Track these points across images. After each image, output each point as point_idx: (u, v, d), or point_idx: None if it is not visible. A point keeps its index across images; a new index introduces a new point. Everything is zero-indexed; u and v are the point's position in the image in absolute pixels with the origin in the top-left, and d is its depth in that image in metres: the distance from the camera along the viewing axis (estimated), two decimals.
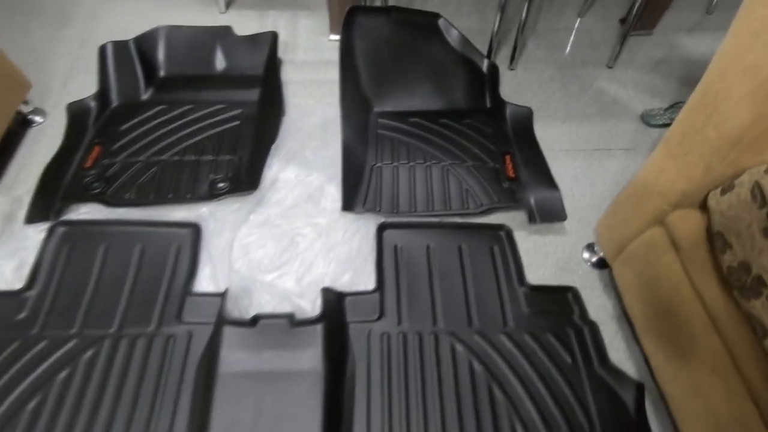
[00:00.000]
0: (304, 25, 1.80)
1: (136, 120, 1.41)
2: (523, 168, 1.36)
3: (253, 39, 1.58)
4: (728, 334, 0.74)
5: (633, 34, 1.80)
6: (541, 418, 0.96)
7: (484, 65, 1.51)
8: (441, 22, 1.48)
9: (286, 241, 1.20)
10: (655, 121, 1.53)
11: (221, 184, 1.27)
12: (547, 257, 1.23)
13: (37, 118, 1.44)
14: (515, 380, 1.01)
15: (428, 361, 1.02)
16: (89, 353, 1.00)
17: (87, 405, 0.94)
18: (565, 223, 1.29)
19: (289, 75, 1.61)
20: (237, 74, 1.55)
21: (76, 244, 1.15)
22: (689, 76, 1.70)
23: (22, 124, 1.41)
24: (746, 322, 0.71)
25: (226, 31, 1.58)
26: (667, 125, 1.40)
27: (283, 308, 1.07)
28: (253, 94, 1.46)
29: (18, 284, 1.09)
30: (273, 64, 1.56)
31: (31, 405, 0.93)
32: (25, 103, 1.39)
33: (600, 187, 1.39)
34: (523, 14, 1.56)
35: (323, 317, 1.01)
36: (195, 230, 1.19)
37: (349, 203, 1.26)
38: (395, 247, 1.20)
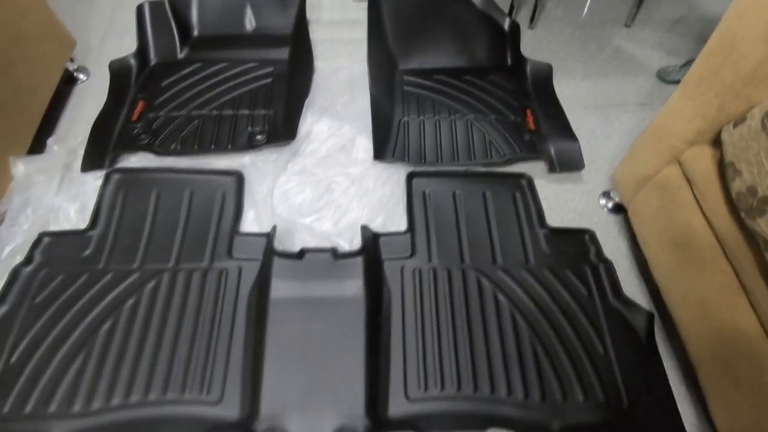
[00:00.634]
0: None
1: (174, 77, 1.49)
2: (543, 121, 1.43)
3: None
4: (734, 253, 0.83)
5: None
6: (560, 343, 1.06)
7: (506, 24, 1.56)
8: None
9: (323, 188, 1.29)
10: (671, 77, 1.58)
11: (259, 137, 1.36)
12: (566, 203, 1.31)
13: (81, 76, 1.52)
14: (536, 310, 1.10)
15: (457, 293, 1.12)
16: (151, 284, 1.11)
17: (153, 328, 1.05)
18: (583, 172, 1.36)
19: (316, 34, 1.67)
20: (267, 33, 1.61)
21: (130, 189, 1.25)
22: (706, 34, 1.70)
23: (67, 82, 1.50)
24: (751, 243, 0.80)
25: None
26: None
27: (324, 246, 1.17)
28: (283, 53, 1.53)
29: (82, 225, 1.19)
30: (302, 23, 1.61)
31: (105, 327, 1.04)
32: (71, 60, 1.47)
33: (616, 140, 1.46)
34: None
35: (363, 250, 1.10)
36: (239, 177, 1.28)
37: (380, 153, 1.34)
38: (424, 194, 1.29)
